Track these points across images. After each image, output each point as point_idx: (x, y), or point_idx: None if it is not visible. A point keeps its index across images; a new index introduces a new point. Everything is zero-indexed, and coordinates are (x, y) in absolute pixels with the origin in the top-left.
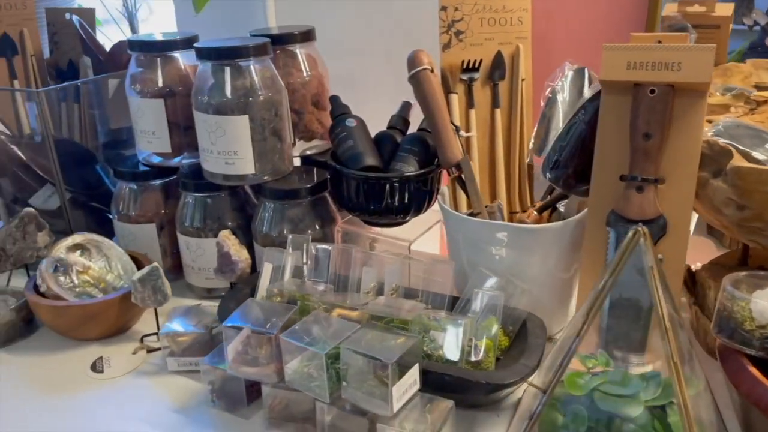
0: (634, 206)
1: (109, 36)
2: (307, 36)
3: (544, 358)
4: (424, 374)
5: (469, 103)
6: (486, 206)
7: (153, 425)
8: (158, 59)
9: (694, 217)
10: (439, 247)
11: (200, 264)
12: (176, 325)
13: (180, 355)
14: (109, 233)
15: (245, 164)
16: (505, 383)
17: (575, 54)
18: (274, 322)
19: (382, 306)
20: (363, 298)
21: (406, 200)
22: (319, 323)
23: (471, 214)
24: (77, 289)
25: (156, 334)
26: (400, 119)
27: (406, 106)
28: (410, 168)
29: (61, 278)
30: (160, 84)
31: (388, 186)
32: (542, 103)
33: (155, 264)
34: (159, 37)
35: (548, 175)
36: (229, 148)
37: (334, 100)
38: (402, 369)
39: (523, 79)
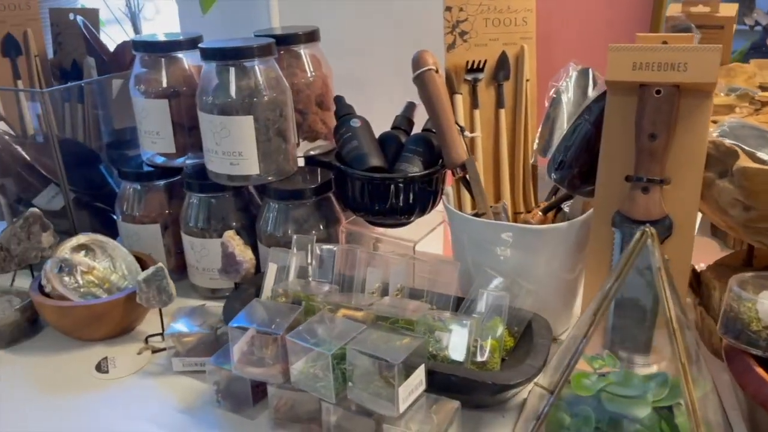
0: (640, 207)
1: (111, 36)
2: (311, 36)
3: (550, 359)
4: (430, 375)
5: (474, 104)
6: (490, 207)
7: (158, 425)
8: (162, 60)
9: (698, 217)
10: (442, 247)
11: (204, 264)
12: (181, 326)
13: (185, 356)
14: (113, 233)
15: (250, 165)
16: (512, 384)
17: (579, 54)
18: (279, 323)
19: (387, 306)
20: (368, 298)
21: (410, 201)
22: (325, 324)
23: (476, 215)
24: (82, 290)
25: (161, 334)
26: (405, 119)
27: (410, 107)
28: (415, 168)
29: (66, 278)
30: (165, 84)
31: (392, 186)
32: (546, 104)
33: (160, 264)
34: (163, 38)
35: (553, 175)
36: (234, 149)
37: (339, 100)
38: (408, 369)
39: (527, 80)
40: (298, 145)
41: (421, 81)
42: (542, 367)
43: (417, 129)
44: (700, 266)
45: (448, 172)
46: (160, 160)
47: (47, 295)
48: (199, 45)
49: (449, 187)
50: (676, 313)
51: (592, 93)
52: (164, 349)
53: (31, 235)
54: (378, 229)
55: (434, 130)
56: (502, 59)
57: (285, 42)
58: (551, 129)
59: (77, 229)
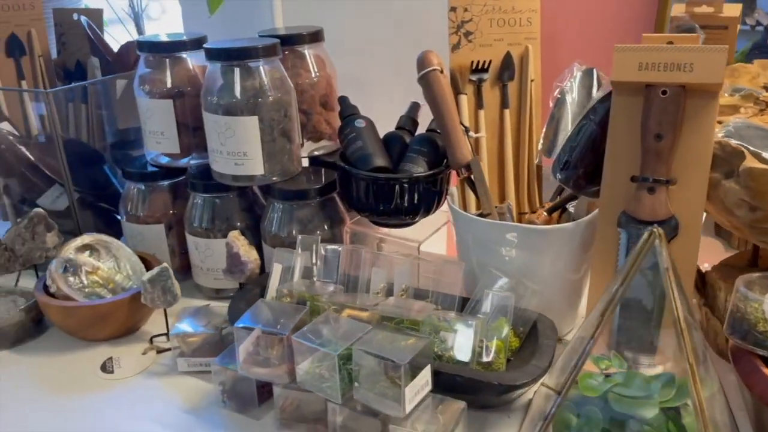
0: (646, 207)
1: (114, 36)
2: (315, 37)
3: (555, 360)
4: (436, 375)
5: (478, 104)
6: (495, 207)
7: (164, 426)
8: (167, 60)
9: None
10: (445, 247)
11: (209, 264)
12: (186, 326)
13: (190, 356)
14: (117, 233)
15: (254, 165)
16: (518, 384)
17: (584, 55)
18: (285, 323)
19: (392, 307)
20: (373, 298)
21: (415, 201)
22: (330, 324)
23: (480, 215)
24: (86, 290)
25: (165, 334)
26: (409, 120)
27: (414, 107)
28: (419, 169)
29: (71, 279)
30: (169, 85)
31: (397, 187)
32: (551, 104)
33: (165, 265)
34: (167, 38)
35: (558, 175)
36: (239, 149)
37: (343, 100)
38: (414, 370)
39: (532, 80)
40: (302, 145)
41: (426, 81)
42: (548, 368)
43: (421, 129)
44: (705, 266)
45: (453, 173)
46: (164, 161)
47: (52, 296)
48: (204, 45)
49: (454, 188)
50: (683, 313)
51: (597, 93)
52: (169, 350)
53: (35, 236)
54: (382, 230)
55: (439, 131)
56: (507, 59)
57: (289, 42)
58: (555, 129)
59: (81, 230)
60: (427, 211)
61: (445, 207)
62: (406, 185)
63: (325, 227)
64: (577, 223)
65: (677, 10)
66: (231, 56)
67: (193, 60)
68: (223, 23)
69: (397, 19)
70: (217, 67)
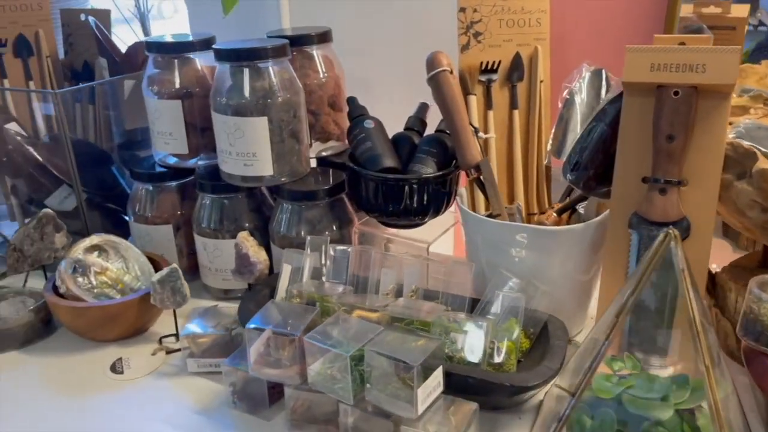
0: (657, 208)
1: (120, 36)
2: (323, 37)
3: (566, 361)
4: (447, 376)
5: (488, 105)
6: (505, 208)
7: (174, 426)
8: (175, 60)
9: None
10: (453, 248)
11: (217, 265)
12: (195, 327)
13: (200, 357)
14: (125, 234)
15: (263, 166)
16: (529, 386)
17: (593, 55)
18: (296, 324)
19: (402, 308)
20: (382, 299)
21: (424, 202)
22: (341, 325)
23: (490, 216)
24: (95, 290)
25: (174, 335)
26: (418, 120)
27: (423, 108)
28: (429, 169)
29: (80, 279)
30: (178, 85)
31: (406, 187)
32: (560, 105)
33: (174, 265)
34: (174, 39)
35: (569, 176)
36: (248, 150)
37: (352, 101)
38: (426, 371)
39: (541, 81)
40: (310, 146)
41: (436, 82)
42: (559, 369)
43: (430, 129)
44: (714, 267)
45: (462, 173)
46: (172, 161)
47: (61, 296)
48: (214, 46)
49: (463, 188)
50: (699, 315)
51: (607, 95)
52: (179, 350)
53: (44, 236)
54: (391, 230)
55: (448, 131)
56: (516, 60)
57: (298, 43)
58: (565, 130)
59: (89, 230)
60: (437, 212)
61: (452, 208)
62: (415, 186)
63: (334, 228)
64: (587, 224)
65: (685, 10)
66: (240, 57)
67: (201, 60)
68: (228, 24)
69: (405, 20)
70: (226, 67)
